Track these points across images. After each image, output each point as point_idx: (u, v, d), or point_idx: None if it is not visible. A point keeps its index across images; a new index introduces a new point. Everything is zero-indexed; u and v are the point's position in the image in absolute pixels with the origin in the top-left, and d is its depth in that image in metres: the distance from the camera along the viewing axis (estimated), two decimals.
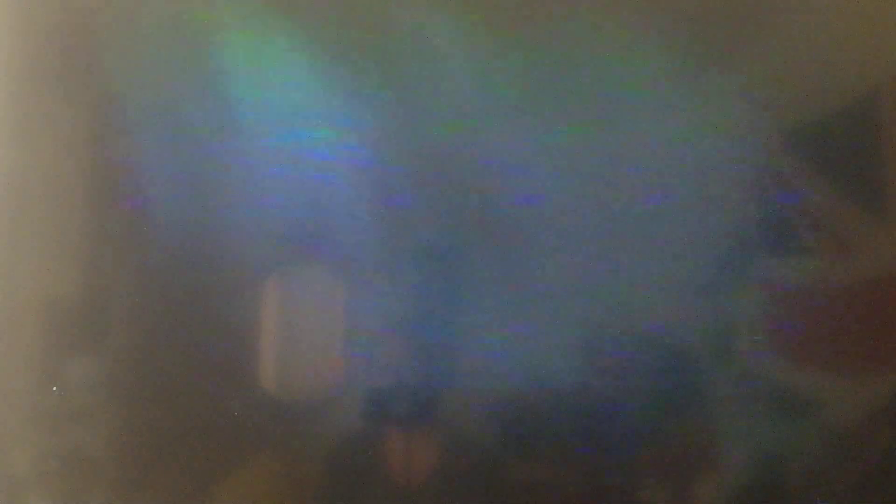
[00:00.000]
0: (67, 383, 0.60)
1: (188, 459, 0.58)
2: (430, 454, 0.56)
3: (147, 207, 0.61)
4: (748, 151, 0.56)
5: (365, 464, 0.56)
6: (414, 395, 0.56)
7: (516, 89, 0.57)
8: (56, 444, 0.60)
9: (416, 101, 0.58)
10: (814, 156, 0.56)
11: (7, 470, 0.61)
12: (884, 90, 0.57)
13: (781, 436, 0.54)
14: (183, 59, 0.61)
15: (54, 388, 0.60)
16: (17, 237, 0.63)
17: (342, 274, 0.58)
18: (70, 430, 0.60)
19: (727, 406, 0.55)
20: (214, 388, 0.58)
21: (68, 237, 0.62)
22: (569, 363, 0.55)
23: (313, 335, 0.58)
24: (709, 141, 0.56)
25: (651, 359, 0.55)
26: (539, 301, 0.55)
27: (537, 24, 0.58)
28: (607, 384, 0.55)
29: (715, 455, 0.55)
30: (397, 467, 0.56)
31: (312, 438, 0.57)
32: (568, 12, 0.58)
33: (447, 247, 0.57)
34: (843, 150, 0.56)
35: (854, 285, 0.55)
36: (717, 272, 0.55)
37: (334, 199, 0.58)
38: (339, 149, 0.58)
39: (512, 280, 0.56)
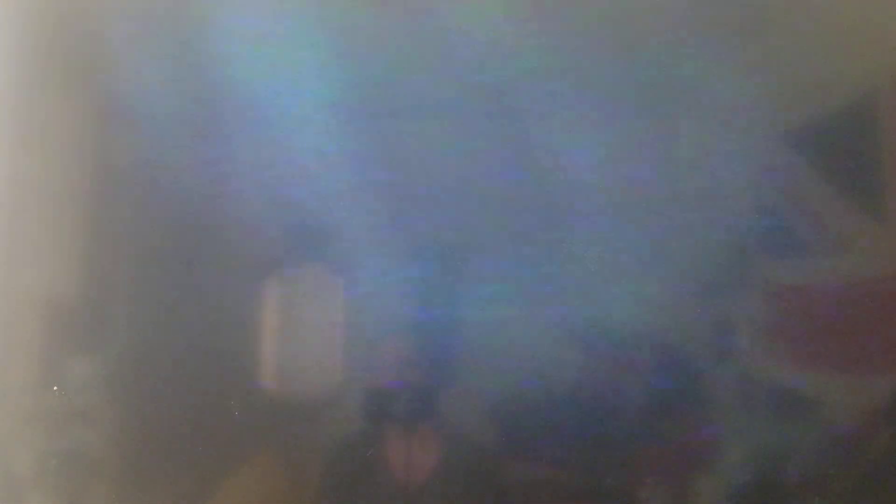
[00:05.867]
0: (67, 383, 0.60)
1: (188, 459, 0.58)
2: (429, 454, 0.56)
3: (147, 207, 0.61)
4: (749, 152, 0.56)
5: (365, 464, 0.56)
6: (414, 395, 0.56)
7: (515, 95, 0.58)
8: (56, 444, 0.60)
9: (419, 94, 0.58)
10: (815, 156, 0.56)
11: (7, 470, 0.61)
12: (884, 90, 0.57)
13: (781, 436, 0.55)
14: (183, 59, 0.61)
15: (54, 388, 0.60)
16: (17, 237, 0.63)
17: (342, 274, 0.58)
18: (70, 430, 0.60)
19: (727, 406, 0.55)
20: (214, 388, 0.58)
21: (68, 237, 0.62)
22: (569, 363, 0.55)
23: (313, 335, 0.58)
24: (709, 142, 0.56)
25: (651, 359, 0.55)
26: (539, 301, 0.55)
27: (532, 33, 0.58)
28: (607, 384, 0.55)
29: (715, 455, 0.55)
30: (397, 467, 0.56)
31: (312, 438, 0.57)
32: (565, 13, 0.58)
33: (448, 248, 0.57)
34: (843, 150, 0.56)
35: (854, 285, 0.55)
36: (717, 272, 0.55)
37: (334, 200, 0.58)
38: (338, 149, 0.58)
39: (511, 281, 0.56)
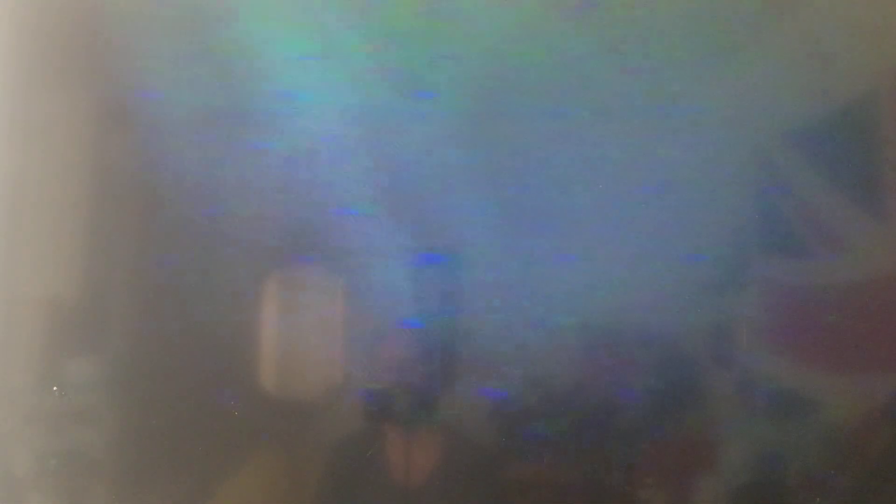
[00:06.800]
0: (67, 383, 0.60)
1: (188, 459, 0.58)
2: (429, 454, 0.56)
3: (147, 208, 0.61)
4: (749, 151, 0.56)
5: (365, 463, 0.56)
6: (414, 395, 0.56)
7: (512, 95, 0.58)
8: (56, 444, 0.60)
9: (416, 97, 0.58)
10: (814, 156, 0.56)
11: (7, 470, 0.61)
12: (884, 90, 0.57)
13: (781, 436, 0.54)
14: (182, 60, 0.61)
15: (54, 388, 0.60)
16: (17, 237, 0.63)
17: (342, 274, 0.58)
18: (70, 430, 0.60)
19: (727, 406, 0.55)
20: (214, 388, 0.58)
21: (68, 237, 0.62)
22: (569, 364, 0.55)
23: (313, 335, 0.58)
24: (709, 142, 0.56)
25: (651, 359, 0.55)
26: (540, 302, 0.55)
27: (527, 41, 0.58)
28: (607, 384, 0.55)
29: (715, 455, 0.55)
30: (397, 466, 0.56)
31: (312, 438, 0.57)
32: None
33: (448, 248, 0.57)
34: (844, 150, 0.56)
35: (854, 285, 0.55)
36: (717, 273, 0.55)
37: (334, 201, 0.58)
38: (338, 151, 0.58)
39: (511, 281, 0.56)
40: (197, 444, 0.58)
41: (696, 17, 0.58)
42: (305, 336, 0.58)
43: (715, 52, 0.57)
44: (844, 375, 0.55)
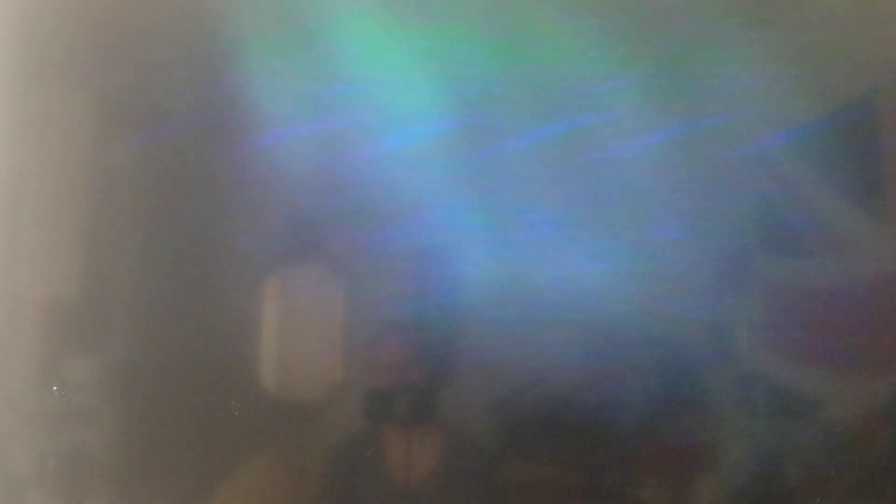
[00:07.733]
0: (67, 383, 0.60)
1: (188, 459, 0.58)
2: (429, 454, 0.56)
3: (147, 207, 0.61)
4: (749, 152, 0.56)
5: (365, 463, 0.56)
6: (414, 394, 0.56)
7: (507, 93, 0.58)
8: (56, 444, 0.60)
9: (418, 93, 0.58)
10: (815, 156, 0.56)
11: (7, 470, 0.61)
12: (884, 90, 0.57)
13: (781, 436, 0.55)
14: (182, 59, 0.61)
15: (54, 388, 0.60)
16: (17, 237, 0.63)
17: (342, 273, 0.58)
18: (70, 430, 0.60)
19: (727, 406, 0.55)
20: (214, 388, 0.58)
21: (68, 237, 0.62)
22: (569, 363, 0.55)
23: (313, 335, 0.58)
24: (709, 142, 0.56)
25: (651, 359, 0.55)
26: (539, 301, 0.55)
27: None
28: (607, 384, 0.55)
29: (715, 455, 0.55)
30: (397, 466, 0.56)
31: (312, 438, 0.57)
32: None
33: (447, 247, 0.57)
34: (844, 150, 0.56)
35: (854, 285, 0.55)
36: (717, 273, 0.55)
37: (334, 201, 0.58)
38: (336, 151, 0.58)
39: (512, 282, 0.56)
40: (197, 444, 0.58)
41: (695, 17, 0.58)
42: (305, 336, 0.58)
43: (714, 51, 0.57)
44: (844, 375, 0.55)
